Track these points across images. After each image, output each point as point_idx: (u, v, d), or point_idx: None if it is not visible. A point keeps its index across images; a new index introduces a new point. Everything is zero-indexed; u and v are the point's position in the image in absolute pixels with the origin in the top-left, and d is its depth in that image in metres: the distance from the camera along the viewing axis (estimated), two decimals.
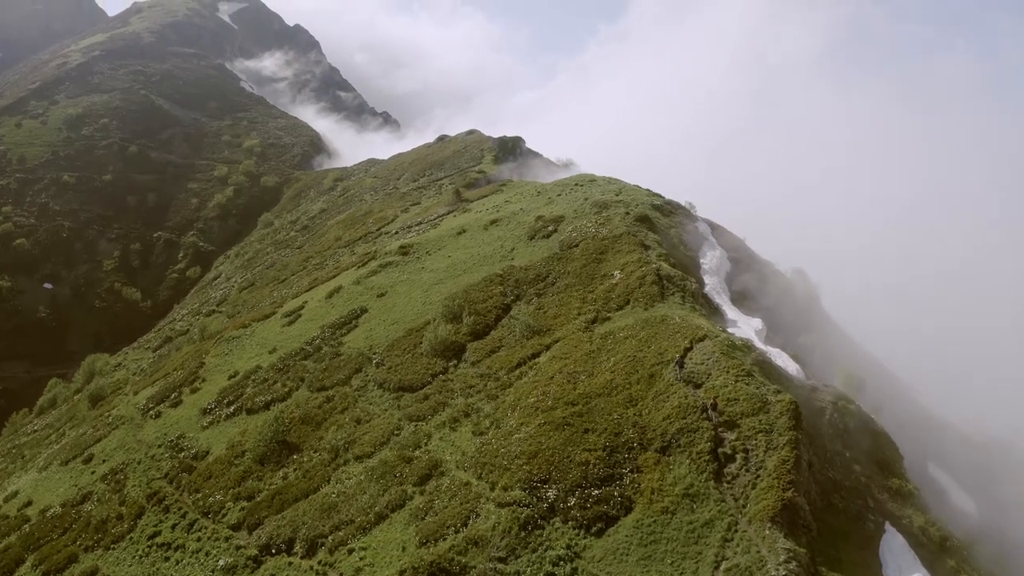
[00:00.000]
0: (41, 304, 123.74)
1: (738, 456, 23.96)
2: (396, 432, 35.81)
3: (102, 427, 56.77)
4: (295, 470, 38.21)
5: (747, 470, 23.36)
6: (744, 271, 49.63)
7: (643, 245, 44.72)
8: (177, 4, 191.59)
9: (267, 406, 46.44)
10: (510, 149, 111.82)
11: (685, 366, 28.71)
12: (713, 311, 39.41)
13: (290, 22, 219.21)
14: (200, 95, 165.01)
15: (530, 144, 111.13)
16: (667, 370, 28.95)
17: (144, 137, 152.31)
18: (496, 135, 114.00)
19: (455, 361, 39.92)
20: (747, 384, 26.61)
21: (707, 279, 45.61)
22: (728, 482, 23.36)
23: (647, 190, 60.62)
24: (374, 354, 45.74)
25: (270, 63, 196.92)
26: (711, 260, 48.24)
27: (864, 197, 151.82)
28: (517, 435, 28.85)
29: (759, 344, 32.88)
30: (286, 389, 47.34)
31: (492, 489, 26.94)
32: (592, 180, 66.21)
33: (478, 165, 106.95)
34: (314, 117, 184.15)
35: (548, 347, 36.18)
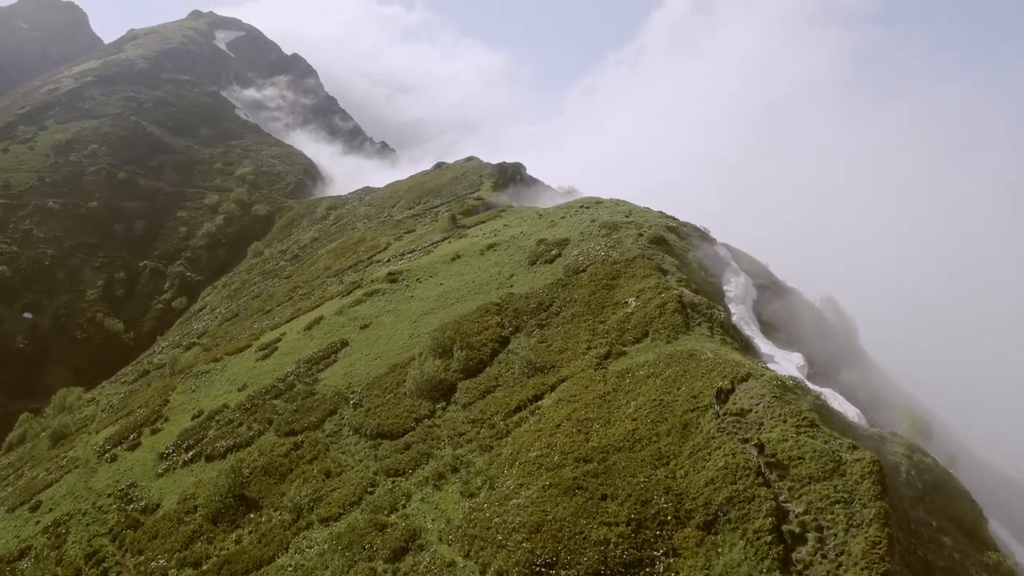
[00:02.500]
0: (20, 334, 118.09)
1: (809, 536, 17.99)
2: (370, 489, 29.78)
3: (55, 470, 51.42)
4: (251, 532, 32.19)
5: (823, 556, 17.41)
6: (772, 299, 43.98)
7: (660, 269, 39.12)
8: (173, 31, 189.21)
9: (228, 452, 40.64)
10: (510, 175, 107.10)
11: (728, 413, 22.83)
12: (744, 345, 33.64)
13: (288, 51, 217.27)
14: (193, 122, 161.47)
15: (531, 171, 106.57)
16: (705, 418, 23.08)
17: (134, 164, 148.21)
18: (496, 161, 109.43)
19: (443, 403, 33.99)
20: (812, 437, 20.72)
21: (733, 308, 39.92)
22: (798, 573, 17.39)
23: (658, 212, 55.30)
24: (352, 393, 39.88)
25: (266, 91, 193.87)
26: (736, 287, 42.60)
27: (873, 222, 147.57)
28: (516, 500, 22.86)
29: (811, 384, 27.03)
30: (251, 433, 41.50)
31: (483, 573, 20.92)
32: (598, 202, 60.95)
33: (476, 192, 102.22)
34: (310, 145, 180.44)
35: (553, 387, 30.32)
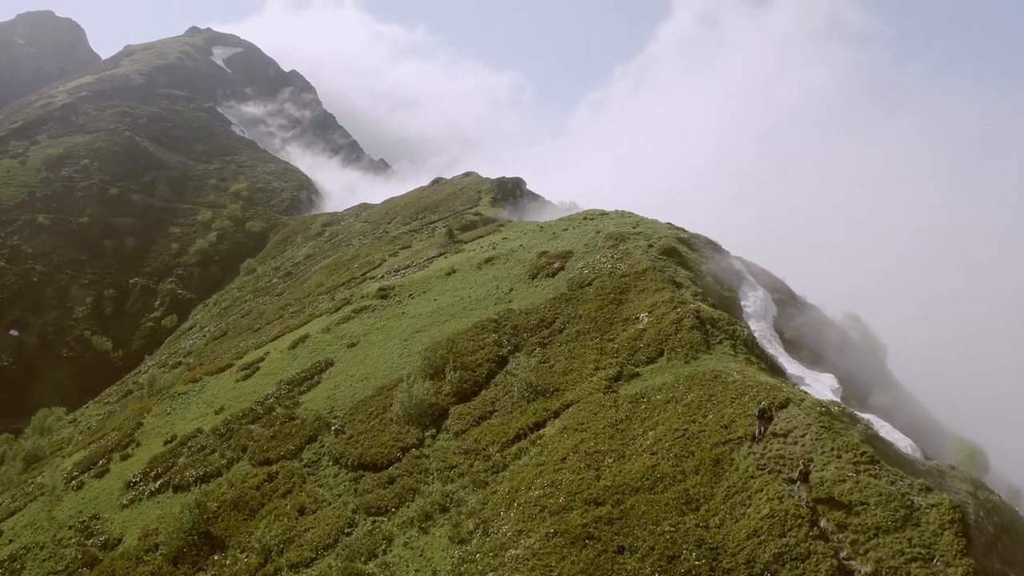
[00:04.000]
0: (5, 352, 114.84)
1: None
2: (347, 530, 25.99)
3: (21, 497, 48.12)
4: None
5: None
6: (794, 315, 40.40)
7: (673, 282, 35.59)
8: (170, 47, 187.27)
9: (198, 482, 36.85)
10: (510, 191, 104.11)
11: (767, 446, 19.17)
12: (770, 365, 30.00)
13: (287, 68, 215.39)
14: (187, 138, 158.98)
15: (532, 187, 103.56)
16: (740, 453, 19.42)
17: (126, 179, 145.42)
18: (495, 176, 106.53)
19: (433, 430, 30.26)
20: (874, 477, 17.07)
21: (753, 324, 36.32)
22: None
23: (667, 223, 51.88)
24: (334, 418, 36.17)
25: (263, 107, 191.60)
26: (754, 302, 39.07)
27: (879, 237, 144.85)
28: (513, 550, 19.11)
29: (858, 412, 23.35)
30: (224, 461, 37.82)
31: None
32: (603, 214, 57.58)
33: (475, 207, 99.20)
34: (307, 161, 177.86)
35: (557, 413, 26.64)
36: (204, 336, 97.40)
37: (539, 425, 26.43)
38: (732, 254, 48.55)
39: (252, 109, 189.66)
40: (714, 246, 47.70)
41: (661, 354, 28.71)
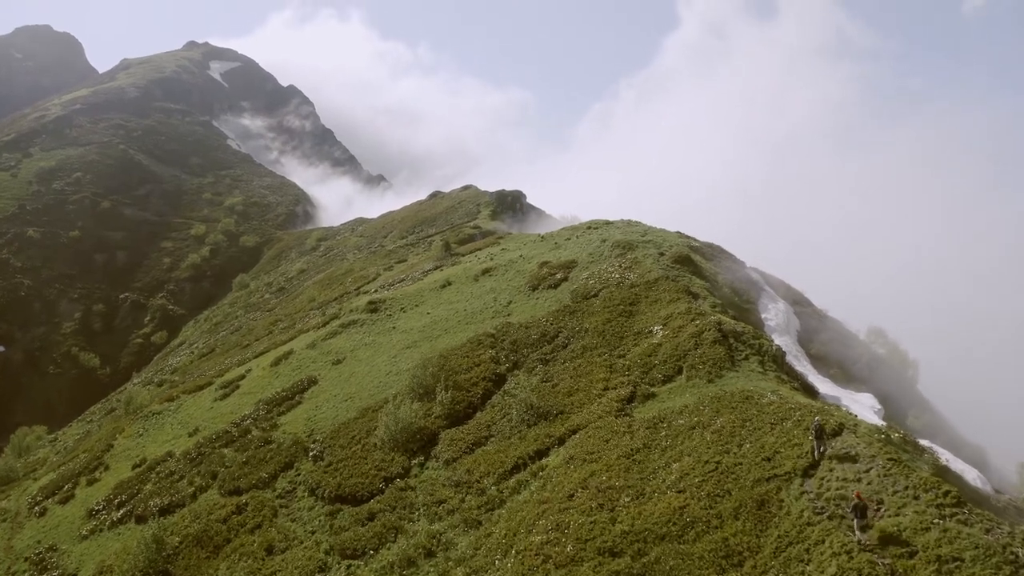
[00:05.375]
0: None
1: None
2: (318, 575, 22.38)
3: None
4: None
5: None
6: (818, 330, 36.96)
7: (689, 292, 32.20)
8: (167, 61, 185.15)
9: (162, 513, 33.36)
10: (509, 204, 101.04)
11: (825, 484, 15.64)
12: (803, 384, 26.51)
13: (287, 83, 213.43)
14: (182, 151, 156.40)
15: (532, 200, 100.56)
16: (791, 491, 15.90)
17: (119, 193, 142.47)
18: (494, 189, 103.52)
19: (421, 457, 26.71)
20: (964, 524, 13.58)
21: (776, 339, 32.84)
22: None
23: (676, 232, 48.60)
24: (313, 442, 32.66)
25: (260, 121, 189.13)
26: (776, 315, 35.66)
27: (880, 251, 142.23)
28: None
29: (921, 440, 19.83)
30: (192, 488, 34.36)
31: None
32: (608, 223, 54.32)
33: (473, 220, 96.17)
34: (304, 176, 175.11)
35: (562, 440, 23.14)
36: (192, 353, 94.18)
37: (541, 454, 22.91)
38: (747, 264, 45.25)
39: (249, 123, 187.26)
40: (728, 256, 44.40)
41: (679, 372, 25.26)
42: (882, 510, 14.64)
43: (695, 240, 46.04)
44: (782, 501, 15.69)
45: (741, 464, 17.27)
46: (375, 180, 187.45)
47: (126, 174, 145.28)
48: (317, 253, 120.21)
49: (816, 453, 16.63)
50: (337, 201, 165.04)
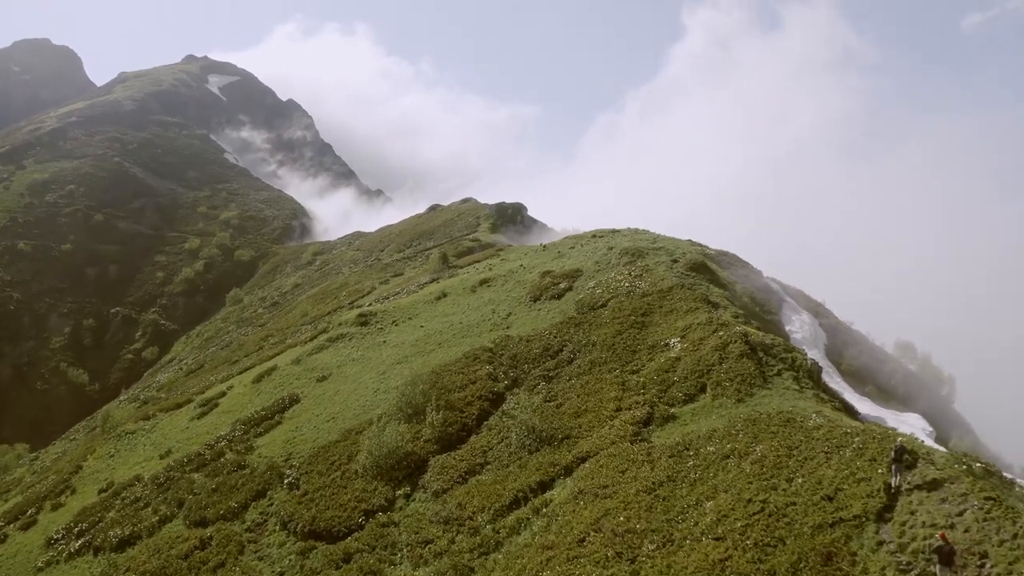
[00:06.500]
0: None
1: None
2: None
3: None
4: None
5: None
6: (847, 344, 33.71)
7: (708, 301, 29.02)
8: (165, 75, 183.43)
9: (122, 545, 30.09)
10: (510, 216, 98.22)
11: (907, 530, 12.35)
12: (842, 404, 23.24)
13: (286, 97, 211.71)
14: (178, 165, 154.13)
15: (534, 213, 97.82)
16: (865, 541, 12.62)
17: (112, 206, 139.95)
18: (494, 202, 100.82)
19: (407, 488, 23.38)
20: None
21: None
22: None
23: (687, 240, 45.47)
24: (290, 468, 29.33)
25: (259, 135, 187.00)
26: (800, 326, 32.46)
27: (882, 262, 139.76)
28: None
29: (1008, 473, 16.55)
30: (156, 518, 31.07)
31: None
32: (614, 231, 51.25)
33: (473, 233, 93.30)
34: (302, 190, 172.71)
35: (569, 470, 19.85)
36: (180, 369, 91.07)
37: (545, 486, 19.60)
38: (764, 274, 42.11)
39: (247, 137, 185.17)
40: (744, 264, 41.26)
41: (703, 389, 22.02)
42: (987, 566, 11.42)
43: (708, 248, 42.94)
44: (854, 555, 12.40)
45: (794, 504, 14.00)
46: (374, 194, 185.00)
47: (120, 187, 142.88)
48: (313, 267, 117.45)
49: (894, 483, 13.39)
50: (335, 215, 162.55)
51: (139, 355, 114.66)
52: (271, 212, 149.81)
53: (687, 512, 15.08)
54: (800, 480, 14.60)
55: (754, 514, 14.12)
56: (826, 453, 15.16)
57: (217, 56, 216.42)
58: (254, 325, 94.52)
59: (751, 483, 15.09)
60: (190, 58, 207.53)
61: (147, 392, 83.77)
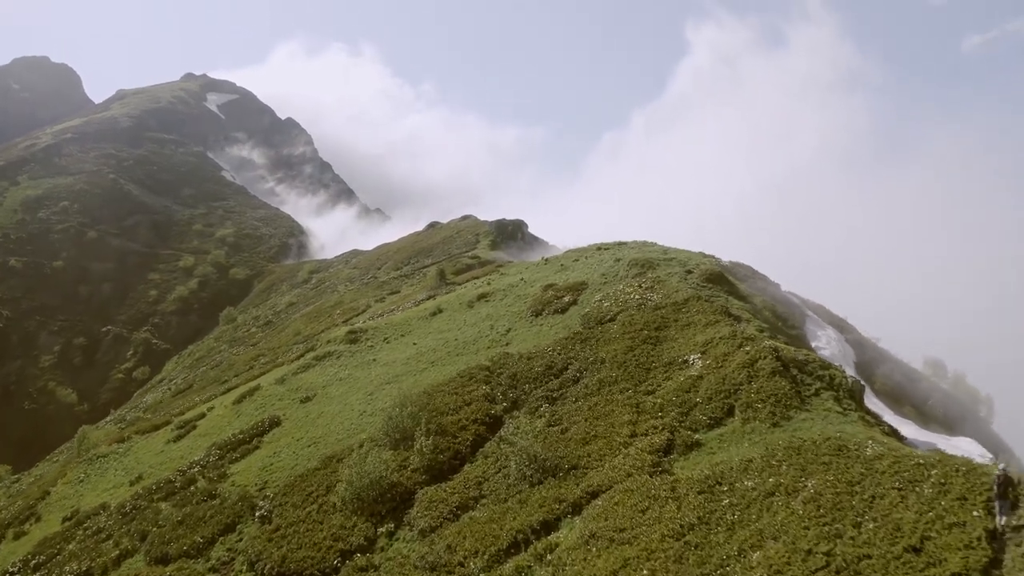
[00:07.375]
0: None
1: None
2: None
3: None
4: None
5: None
6: (877, 361, 30.81)
7: (729, 314, 26.19)
8: (163, 92, 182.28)
9: None
10: (510, 233, 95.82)
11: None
12: (889, 429, 20.31)
13: (286, 116, 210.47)
14: (174, 182, 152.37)
15: (534, 231, 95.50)
16: None
17: (106, 223, 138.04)
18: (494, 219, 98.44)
19: (390, 524, 20.35)
20: None
21: None
22: None
23: (699, 252, 42.73)
24: (263, 499, 26.30)
25: (257, 153, 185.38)
26: (827, 343, 29.62)
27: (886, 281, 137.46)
28: None
29: None
30: (116, 552, 28.05)
31: None
32: (620, 244, 48.53)
33: (472, 250, 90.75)
34: (300, 208, 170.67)
35: (577, 507, 16.90)
36: (169, 389, 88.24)
37: (549, 526, 16.62)
38: (782, 287, 39.30)
39: (245, 155, 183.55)
40: (761, 276, 38.48)
41: (730, 412, 19.12)
42: None
43: (721, 260, 40.17)
44: None
45: (869, 558, 11.04)
46: (372, 213, 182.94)
47: (115, 204, 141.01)
48: (308, 286, 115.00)
49: (999, 525, 10.54)
50: (333, 233, 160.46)
51: (130, 375, 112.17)
52: (267, 230, 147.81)
53: (728, 565, 12.10)
54: (871, 526, 11.67)
55: (817, 570, 11.18)
56: (898, 490, 12.25)
57: (218, 74, 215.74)
58: (246, 344, 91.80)
59: (807, 528, 12.16)
60: (189, 76, 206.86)
61: (133, 412, 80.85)
